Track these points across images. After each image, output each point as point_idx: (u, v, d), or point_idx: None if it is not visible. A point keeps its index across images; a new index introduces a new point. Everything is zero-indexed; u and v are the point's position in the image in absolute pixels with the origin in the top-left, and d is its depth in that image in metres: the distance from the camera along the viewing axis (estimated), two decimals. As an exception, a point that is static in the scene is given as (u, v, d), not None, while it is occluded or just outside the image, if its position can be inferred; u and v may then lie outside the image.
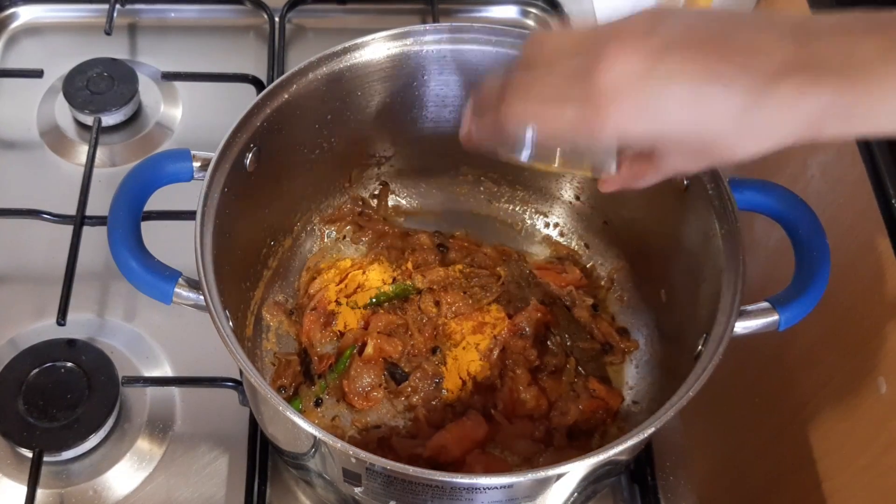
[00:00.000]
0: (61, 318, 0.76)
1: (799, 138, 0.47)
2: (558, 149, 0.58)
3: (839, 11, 0.47)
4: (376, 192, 0.84)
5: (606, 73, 0.47)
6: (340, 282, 0.80)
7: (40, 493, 0.70)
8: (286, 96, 0.69)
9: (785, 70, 0.46)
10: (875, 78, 0.45)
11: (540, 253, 0.84)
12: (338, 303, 0.79)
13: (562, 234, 0.84)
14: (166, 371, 0.79)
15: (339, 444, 0.55)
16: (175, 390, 0.77)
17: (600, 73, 0.47)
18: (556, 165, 0.58)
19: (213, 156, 0.65)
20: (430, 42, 0.72)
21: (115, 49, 0.99)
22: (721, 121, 0.47)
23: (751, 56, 0.46)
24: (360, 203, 0.83)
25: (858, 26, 0.46)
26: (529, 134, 0.54)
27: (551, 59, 0.51)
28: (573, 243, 0.84)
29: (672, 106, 0.47)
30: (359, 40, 0.71)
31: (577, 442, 0.73)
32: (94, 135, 0.90)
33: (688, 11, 0.50)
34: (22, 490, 0.70)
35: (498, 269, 0.81)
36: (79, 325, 0.79)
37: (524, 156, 0.56)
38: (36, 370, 0.74)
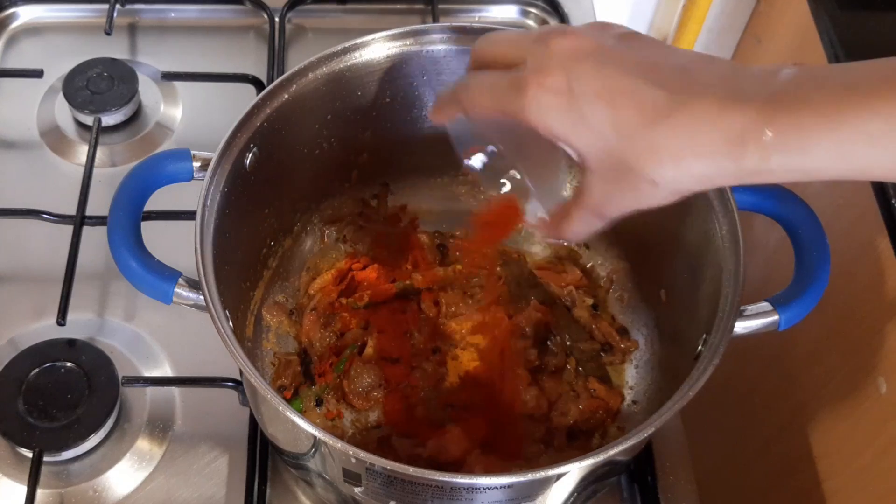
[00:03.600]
0: (61, 318, 0.76)
1: (719, 166, 0.46)
2: (511, 171, 0.59)
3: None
4: (376, 192, 0.84)
5: (545, 49, 0.49)
6: (340, 282, 0.80)
7: (40, 493, 0.70)
8: (286, 96, 0.69)
9: (706, 89, 0.46)
10: (801, 106, 0.44)
11: (540, 253, 0.84)
12: (338, 303, 0.79)
13: (562, 234, 0.84)
14: (166, 371, 0.79)
15: (339, 444, 0.55)
16: (175, 390, 0.77)
17: (540, 49, 0.49)
18: (504, 189, 0.60)
19: (213, 156, 0.65)
20: (430, 42, 0.72)
21: (115, 49, 0.99)
22: (630, 130, 0.47)
23: (675, 74, 0.47)
24: (360, 203, 0.83)
25: (787, 69, 0.46)
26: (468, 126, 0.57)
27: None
28: (573, 243, 0.84)
29: (587, 101, 0.48)
30: (359, 40, 0.71)
31: (577, 442, 0.73)
32: (94, 135, 0.90)
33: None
34: (22, 490, 0.70)
35: (498, 269, 0.81)
36: (79, 325, 0.79)
37: (478, 161, 0.59)
38: (36, 370, 0.74)
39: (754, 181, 0.46)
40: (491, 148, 0.58)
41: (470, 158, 0.59)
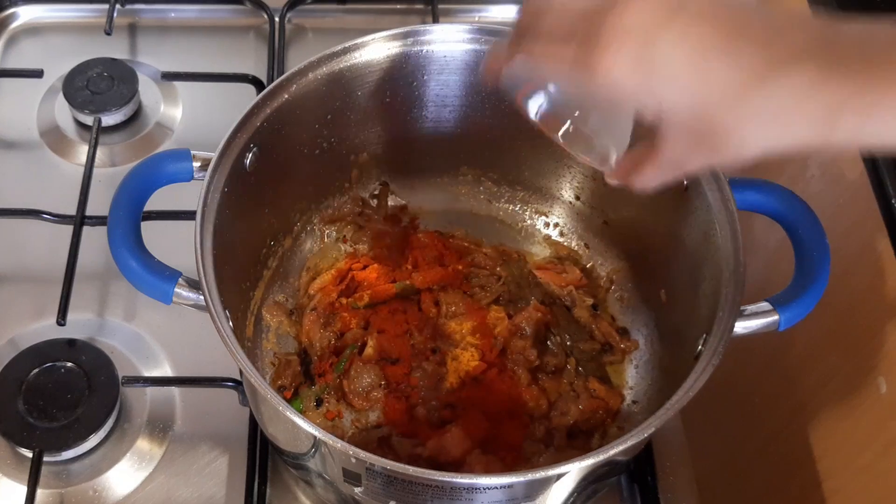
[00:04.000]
0: (61, 318, 0.76)
1: (808, 137, 0.44)
2: (568, 122, 0.56)
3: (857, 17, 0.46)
4: (376, 192, 0.84)
5: (618, 17, 0.45)
6: (340, 282, 0.80)
7: (40, 493, 0.70)
8: (286, 96, 0.69)
9: (802, 54, 0.43)
10: None
11: (540, 253, 0.84)
12: (338, 303, 0.79)
13: (562, 234, 0.85)
14: (166, 371, 0.79)
15: (339, 444, 0.55)
16: (175, 390, 0.77)
17: (612, 16, 0.45)
18: (560, 139, 0.57)
19: (213, 156, 0.65)
20: (430, 42, 0.72)
21: (115, 49, 0.99)
22: (723, 95, 0.45)
23: (769, 35, 0.44)
24: (360, 203, 0.83)
25: (885, 29, 0.44)
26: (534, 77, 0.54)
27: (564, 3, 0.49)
28: (573, 243, 0.84)
29: (674, 66, 0.45)
30: (359, 40, 0.71)
31: (577, 442, 0.73)
32: (94, 135, 0.90)
33: None
34: (22, 490, 0.70)
35: (498, 269, 0.81)
36: (79, 325, 0.79)
37: (533, 111, 0.56)
38: (36, 370, 0.74)
39: (836, 150, 0.45)
40: (551, 89, 0.55)
41: (528, 97, 0.56)
